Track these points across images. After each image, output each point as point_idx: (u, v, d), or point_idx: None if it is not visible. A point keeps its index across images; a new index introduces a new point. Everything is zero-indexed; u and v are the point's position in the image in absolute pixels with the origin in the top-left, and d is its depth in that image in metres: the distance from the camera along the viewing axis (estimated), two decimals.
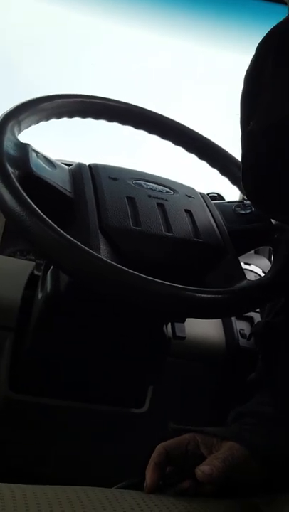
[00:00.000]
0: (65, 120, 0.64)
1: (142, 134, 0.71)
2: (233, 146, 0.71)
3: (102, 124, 0.69)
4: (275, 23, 0.43)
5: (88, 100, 0.65)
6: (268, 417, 0.50)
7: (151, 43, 1.20)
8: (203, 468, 0.44)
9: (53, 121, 0.63)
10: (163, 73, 1.26)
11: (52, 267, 0.63)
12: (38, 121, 0.58)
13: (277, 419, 0.50)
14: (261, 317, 0.71)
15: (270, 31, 0.43)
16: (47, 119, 0.60)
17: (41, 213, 0.46)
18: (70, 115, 0.63)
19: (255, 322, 0.85)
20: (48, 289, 0.59)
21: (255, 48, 0.44)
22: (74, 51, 1.25)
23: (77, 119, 0.66)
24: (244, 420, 0.51)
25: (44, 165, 0.55)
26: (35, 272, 0.76)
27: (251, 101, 0.46)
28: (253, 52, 0.45)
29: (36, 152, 0.56)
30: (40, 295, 0.64)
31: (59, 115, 0.61)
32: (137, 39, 1.19)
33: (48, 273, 0.62)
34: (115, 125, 0.69)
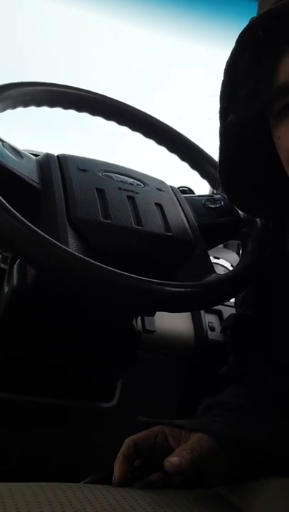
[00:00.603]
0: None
1: (113, 125, 0.70)
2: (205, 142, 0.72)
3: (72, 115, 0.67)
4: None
5: (57, 89, 0.63)
6: (240, 410, 0.51)
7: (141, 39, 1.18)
8: (171, 460, 0.44)
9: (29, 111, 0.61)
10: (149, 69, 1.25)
11: (18, 259, 0.61)
12: (3, 109, 0.56)
13: (248, 411, 0.51)
14: (236, 310, 0.72)
15: (247, 26, 0.43)
16: (13, 107, 0.58)
17: (7, 204, 0.44)
18: (38, 104, 0.62)
19: (225, 315, 0.86)
20: (15, 283, 0.58)
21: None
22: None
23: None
24: (214, 412, 0.52)
25: (10, 154, 0.54)
26: (1, 265, 0.74)
27: (230, 93, 0.47)
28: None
29: (2, 141, 0.54)
30: (6, 289, 0.63)
31: (26, 103, 0.60)
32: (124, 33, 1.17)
33: (15, 266, 0.60)
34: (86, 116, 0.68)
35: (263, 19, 0.42)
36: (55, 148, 0.63)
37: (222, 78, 0.46)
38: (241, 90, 0.46)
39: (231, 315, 0.64)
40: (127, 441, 0.47)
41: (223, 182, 0.53)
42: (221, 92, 0.47)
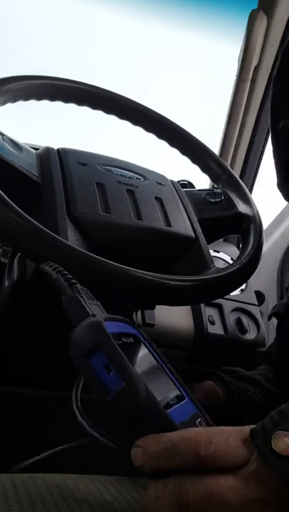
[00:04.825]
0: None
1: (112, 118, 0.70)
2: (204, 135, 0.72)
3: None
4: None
5: (57, 83, 0.63)
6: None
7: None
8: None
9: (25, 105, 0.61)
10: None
11: (19, 254, 0.61)
12: (4, 103, 0.56)
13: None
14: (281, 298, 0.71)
15: None
16: (14, 100, 0.58)
17: (6, 198, 0.45)
18: (39, 97, 0.62)
19: (225, 309, 0.86)
20: (15, 277, 0.58)
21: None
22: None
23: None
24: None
25: (10, 148, 0.53)
26: (2, 259, 0.74)
27: (280, 102, 0.51)
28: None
29: (2, 134, 0.54)
30: (6, 283, 0.63)
31: (26, 97, 0.59)
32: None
33: (15, 260, 0.60)
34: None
35: None
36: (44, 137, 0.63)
37: (272, 87, 0.51)
38: None
39: (281, 302, 0.64)
40: None
41: (283, 188, 0.55)
42: (271, 101, 0.51)
